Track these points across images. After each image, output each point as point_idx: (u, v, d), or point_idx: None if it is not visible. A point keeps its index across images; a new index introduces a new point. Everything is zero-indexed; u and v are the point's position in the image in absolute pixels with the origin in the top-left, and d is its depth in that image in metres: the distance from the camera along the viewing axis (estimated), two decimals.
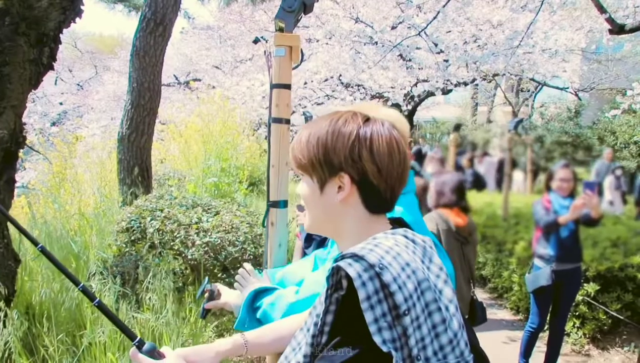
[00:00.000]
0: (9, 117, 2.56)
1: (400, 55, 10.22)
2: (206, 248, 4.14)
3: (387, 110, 1.64)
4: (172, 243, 4.18)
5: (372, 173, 1.02)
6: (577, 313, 4.88)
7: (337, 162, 1.04)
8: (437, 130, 19.83)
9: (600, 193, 7.81)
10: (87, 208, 5.99)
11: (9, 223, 3.05)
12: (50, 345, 2.88)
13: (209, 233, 4.25)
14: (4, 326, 2.71)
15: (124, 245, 4.30)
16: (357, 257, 0.91)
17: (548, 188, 4.10)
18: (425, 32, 7.93)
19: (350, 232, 1.07)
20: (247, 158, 9.90)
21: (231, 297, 1.74)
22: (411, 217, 1.61)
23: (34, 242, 1.30)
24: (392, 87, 10.60)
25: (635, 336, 4.78)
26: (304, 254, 2.50)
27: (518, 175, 7.86)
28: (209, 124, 7.41)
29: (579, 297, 4.71)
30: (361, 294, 0.88)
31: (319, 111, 12.41)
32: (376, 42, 9.16)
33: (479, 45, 9.35)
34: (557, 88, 14.64)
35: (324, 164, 1.05)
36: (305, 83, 11.38)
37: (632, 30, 4.72)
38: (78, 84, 24.67)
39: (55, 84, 23.70)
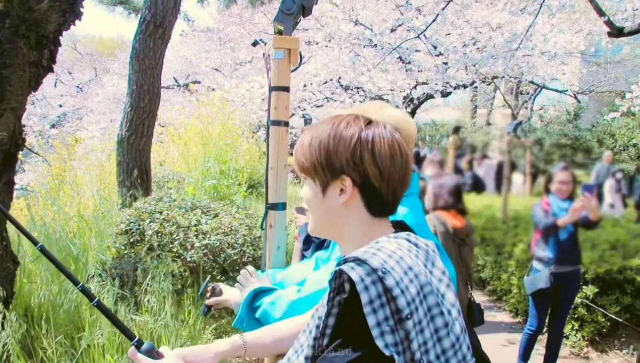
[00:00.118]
0: (9, 119, 2.56)
1: (400, 57, 10.23)
2: (205, 251, 4.14)
3: (393, 111, 1.64)
4: (171, 246, 4.18)
5: (373, 176, 1.02)
6: (575, 316, 4.88)
7: (339, 165, 1.04)
8: (437, 132, 19.84)
9: (599, 196, 7.82)
10: (86, 210, 5.99)
11: (7, 226, 3.05)
12: (48, 347, 2.88)
13: (208, 236, 4.25)
14: (3, 328, 2.71)
15: (123, 248, 4.30)
16: (359, 261, 0.91)
17: (547, 190, 4.11)
18: (424, 35, 7.96)
19: (353, 234, 1.07)
20: (246, 160, 9.90)
21: (232, 295, 1.75)
22: (415, 219, 1.61)
23: (34, 242, 1.31)
24: (391, 90, 10.61)
25: (634, 338, 4.78)
26: (303, 257, 2.50)
27: (517, 178, 7.87)
28: (208, 126, 7.42)
29: (577, 300, 4.71)
30: (364, 298, 0.88)
31: (318, 114, 12.44)
32: (375, 45, 9.17)
33: (478, 48, 9.37)
34: (556, 91, 14.67)
35: (326, 167, 1.05)
36: (305, 85, 11.39)
37: (631, 33, 4.73)
38: (78, 86, 24.68)
39: (55, 86, 23.71)
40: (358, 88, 11.46)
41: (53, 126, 18.05)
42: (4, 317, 2.73)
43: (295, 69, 1.92)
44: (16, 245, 3.57)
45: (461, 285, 3.26)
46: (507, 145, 7.00)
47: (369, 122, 1.07)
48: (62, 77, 24.25)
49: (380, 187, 1.03)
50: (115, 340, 2.98)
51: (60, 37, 2.76)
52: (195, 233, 4.27)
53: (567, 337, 4.87)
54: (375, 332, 0.88)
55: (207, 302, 1.75)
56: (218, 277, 4.07)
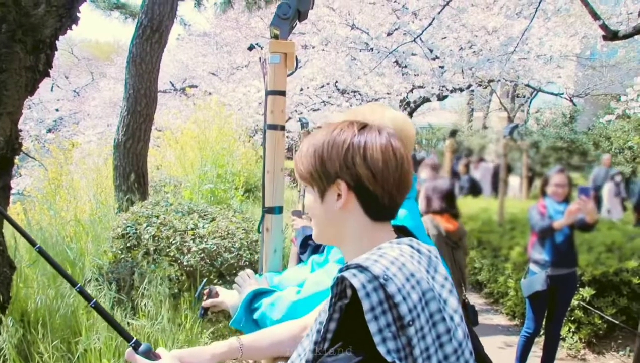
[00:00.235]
0: (5, 123, 2.56)
1: (396, 61, 10.26)
2: (202, 255, 4.14)
3: (394, 113, 1.65)
4: (167, 250, 4.18)
5: (366, 178, 1.03)
6: (572, 318, 4.89)
7: (333, 170, 1.05)
8: (433, 136, 19.87)
9: (597, 199, 7.83)
10: (83, 214, 5.98)
11: (3, 230, 3.05)
12: (45, 352, 2.87)
13: (205, 240, 4.25)
14: None
15: (120, 252, 4.30)
16: (361, 268, 0.92)
17: (543, 193, 4.12)
18: (420, 39, 7.98)
19: (354, 239, 1.08)
20: (243, 164, 9.89)
21: (229, 297, 1.76)
22: (413, 222, 1.62)
23: (32, 243, 1.32)
24: (388, 93, 10.62)
25: (631, 340, 4.78)
26: (300, 260, 2.50)
27: (514, 181, 7.89)
28: (205, 130, 7.41)
29: (574, 302, 4.72)
30: (365, 305, 0.89)
31: (315, 117, 12.45)
32: (372, 49, 9.20)
33: (474, 52, 9.40)
34: (552, 94, 14.73)
35: (321, 173, 1.07)
36: (302, 89, 11.40)
37: (626, 36, 4.75)
38: (74, 91, 24.68)
39: (52, 90, 23.69)
40: (355, 92, 11.48)
41: (49, 130, 17.99)
42: (0, 322, 2.73)
43: (291, 73, 1.93)
44: (13, 250, 3.56)
45: (455, 287, 3.27)
46: (503, 148, 7.01)
47: (362, 127, 1.08)
48: (58, 82, 24.24)
49: (375, 190, 1.04)
50: (112, 344, 2.98)
51: (57, 42, 2.76)
52: (192, 237, 4.27)
53: (563, 339, 4.88)
54: (377, 339, 0.88)
55: (203, 304, 1.76)
56: (215, 281, 4.06)
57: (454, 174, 9.03)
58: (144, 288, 3.56)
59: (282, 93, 1.88)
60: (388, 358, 0.88)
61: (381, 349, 0.88)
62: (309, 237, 2.37)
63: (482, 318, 5.80)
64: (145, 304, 3.46)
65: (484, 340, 1.43)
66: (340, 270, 0.94)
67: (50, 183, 6.72)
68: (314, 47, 10.05)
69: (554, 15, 8.46)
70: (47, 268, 3.79)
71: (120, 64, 18.61)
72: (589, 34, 9.88)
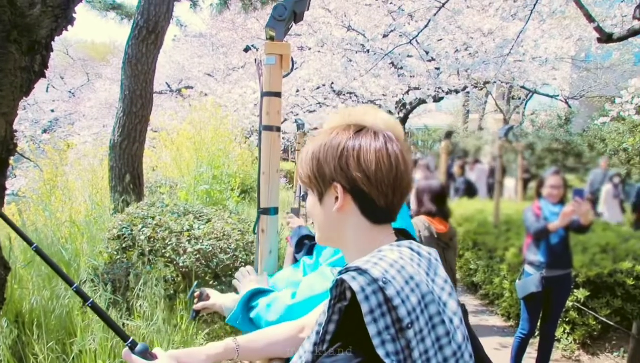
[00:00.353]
0: (0, 124, 2.55)
1: (392, 63, 10.27)
2: (197, 256, 4.13)
3: (386, 115, 1.67)
4: (163, 251, 4.17)
5: (360, 180, 1.04)
6: (567, 319, 4.91)
7: (329, 173, 1.07)
8: (429, 137, 19.93)
9: (594, 201, 7.86)
10: (78, 215, 5.96)
11: None
12: (40, 353, 2.86)
13: (201, 241, 4.24)
14: None
15: (115, 253, 4.29)
16: (360, 271, 0.92)
17: (538, 195, 4.13)
18: (416, 40, 7.99)
19: (353, 241, 1.09)
20: (238, 165, 9.89)
21: (220, 299, 1.77)
22: (401, 222, 1.63)
23: (29, 242, 1.33)
24: (383, 95, 10.64)
25: (625, 341, 4.81)
26: (295, 260, 2.50)
27: (509, 182, 7.91)
28: (200, 131, 7.41)
29: (568, 303, 4.74)
30: (364, 307, 0.89)
31: (310, 119, 12.45)
32: (368, 50, 9.21)
33: (469, 53, 9.42)
34: (548, 95, 14.77)
35: (318, 176, 1.09)
36: (298, 90, 11.40)
37: (620, 39, 4.78)
38: (69, 91, 24.62)
39: (47, 91, 23.63)
40: (350, 93, 11.49)
41: (45, 131, 17.97)
42: None
43: (287, 75, 1.93)
44: (7, 251, 3.55)
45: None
46: (498, 149, 7.03)
47: (358, 131, 1.09)
48: (54, 82, 24.19)
49: (370, 192, 1.05)
50: (107, 345, 2.97)
51: (53, 42, 2.76)
52: (188, 238, 4.27)
53: (558, 340, 4.89)
54: (376, 341, 0.89)
55: (194, 306, 1.77)
56: (210, 282, 4.06)
57: (450, 176, 9.06)
58: (140, 289, 3.56)
59: (278, 94, 1.89)
60: (387, 361, 0.88)
61: (380, 351, 0.88)
62: (305, 237, 2.38)
63: (478, 320, 5.82)
64: (140, 305, 3.46)
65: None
66: (340, 272, 0.95)
67: (45, 184, 6.70)
68: (309, 49, 10.06)
69: (549, 17, 8.50)
70: (42, 269, 3.79)
71: (115, 64, 18.59)
72: (584, 36, 9.93)
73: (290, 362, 1.09)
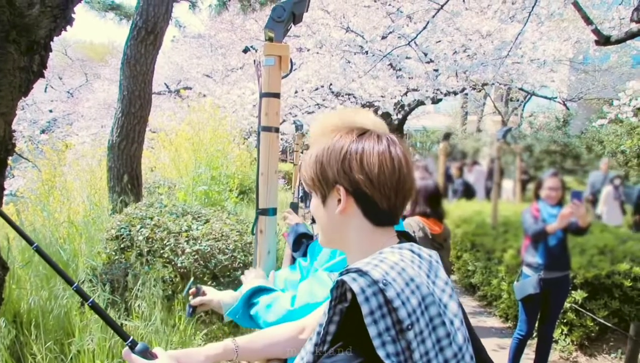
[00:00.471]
0: None
1: (391, 64, 10.28)
2: (196, 256, 4.13)
3: (372, 116, 1.67)
4: (161, 251, 4.17)
5: (363, 183, 1.05)
6: (564, 320, 4.92)
7: (332, 176, 1.08)
8: (427, 139, 19.95)
9: (594, 203, 7.86)
10: (77, 216, 5.96)
11: None
12: (38, 353, 2.86)
13: (199, 241, 4.24)
14: None
15: (114, 253, 4.29)
16: (361, 272, 0.93)
17: (537, 196, 4.14)
18: (415, 42, 8.00)
19: (356, 243, 1.10)
20: (237, 166, 9.89)
21: (217, 296, 1.78)
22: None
23: (29, 241, 1.34)
24: (382, 96, 10.64)
25: (622, 343, 4.81)
26: (294, 261, 2.51)
27: (507, 184, 7.91)
28: (199, 132, 7.41)
29: (566, 304, 4.75)
30: (364, 309, 0.90)
31: (309, 120, 12.44)
32: (366, 52, 9.21)
33: (468, 55, 9.42)
34: (546, 98, 14.78)
35: (322, 178, 1.10)
36: (296, 92, 11.40)
37: (618, 41, 4.79)
38: (68, 92, 24.60)
39: (45, 91, 23.61)
40: (349, 95, 11.49)
41: (43, 131, 17.95)
42: None
43: (285, 76, 1.94)
44: (5, 251, 3.55)
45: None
46: (497, 151, 7.04)
47: (361, 134, 1.10)
48: (52, 82, 24.18)
49: (373, 195, 1.06)
50: (105, 345, 2.97)
51: (52, 43, 2.76)
52: (186, 239, 4.27)
53: (556, 342, 4.90)
54: (376, 342, 0.89)
55: (192, 302, 1.78)
56: (209, 283, 4.06)
57: (448, 177, 9.06)
58: (138, 289, 3.56)
59: (277, 95, 1.89)
60: (387, 362, 0.89)
61: (380, 353, 0.89)
62: (303, 235, 2.38)
63: (476, 321, 5.83)
64: (139, 305, 3.45)
65: None
66: (341, 274, 0.96)
67: (44, 184, 6.69)
68: (308, 50, 10.06)
69: (547, 19, 8.50)
70: (40, 269, 3.79)
71: (114, 65, 18.59)
72: (582, 39, 9.95)
73: None
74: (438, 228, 3.53)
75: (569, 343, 4.92)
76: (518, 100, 17.91)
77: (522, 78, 10.66)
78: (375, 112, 11.88)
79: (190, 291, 1.79)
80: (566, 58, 10.46)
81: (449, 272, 3.59)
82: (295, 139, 10.47)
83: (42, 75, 2.79)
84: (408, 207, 3.72)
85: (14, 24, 2.42)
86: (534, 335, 4.33)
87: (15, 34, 2.43)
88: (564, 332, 4.95)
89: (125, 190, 5.79)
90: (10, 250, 3.75)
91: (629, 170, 10.85)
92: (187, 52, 17.15)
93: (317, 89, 11.31)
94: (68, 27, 2.74)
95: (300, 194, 7.51)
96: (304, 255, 2.17)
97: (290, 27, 1.99)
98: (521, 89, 12.65)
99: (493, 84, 10.70)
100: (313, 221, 2.11)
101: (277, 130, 1.90)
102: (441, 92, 10.48)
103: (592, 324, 4.84)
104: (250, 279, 1.77)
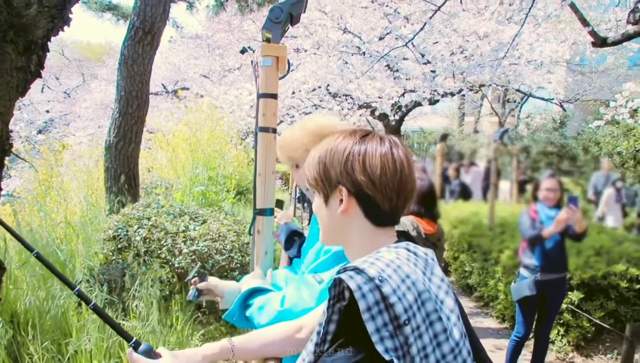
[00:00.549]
0: None
1: (388, 65, 10.29)
2: (193, 257, 4.13)
3: (326, 119, 1.73)
4: (159, 252, 4.17)
5: (365, 184, 1.07)
6: (561, 321, 4.93)
7: (335, 176, 1.10)
8: (425, 140, 19.98)
9: (596, 204, 7.87)
10: (74, 216, 5.95)
11: None
12: (35, 353, 2.86)
13: (196, 242, 4.24)
14: None
15: (111, 254, 4.29)
16: (358, 270, 0.95)
17: (535, 198, 4.14)
18: (412, 43, 8.01)
19: (356, 243, 1.12)
20: (234, 167, 9.88)
21: (221, 283, 1.80)
22: None
23: (29, 248, 1.35)
24: (379, 97, 10.66)
25: (618, 343, 4.83)
26: (291, 261, 2.51)
27: (504, 185, 7.94)
28: (196, 132, 7.40)
29: (563, 305, 4.76)
30: (362, 305, 0.91)
31: None
32: (364, 53, 9.22)
33: (465, 56, 9.43)
34: (543, 99, 14.80)
35: (324, 179, 1.12)
36: (293, 92, 11.40)
37: (614, 43, 4.81)
38: (65, 92, 24.56)
39: (42, 91, 23.56)
40: (346, 95, 11.50)
41: (40, 132, 17.90)
42: None
43: (283, 77, 1.94)
44: (2, 252, 3.55)
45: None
46: (494, 152, 7.07)
47: (364, 136, 1.12)
48: (49, 83, 24.12)
49: (375, 196, 1.07)
50: (102, 345, 2.97)
51: (49, 43, 2.76)
52: (184, 239, 4.27)
53: (552, 342, 4.91)
54: (375, 338, 0.91)
55: (198, 285, 1.78)
56: None
57: (445, 178, 9.09)
58: (135, 290, 3.56)
59: (274, 96, 1.90)
60: (386, 357, 0.90)
61: (379, 348, 0.90)
62: (295, 233, 2.38)
63: (473, 322, 5.81)
64: (136, 306, 3.45)
65: None
66: (338, 272, 0.97)
67: (41, 184, 6.68)
68: (305, 51, 10.06)
69: (544, 21, 8.53)
70: (37, 269, 3.78)
71: (111, 65, 18.56)
72: (579, 40, 9.98)
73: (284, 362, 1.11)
74: (431, 228, 3.53)
75: (565, 344, 4.93)
76: (515, 102, 17.94)
77: (519, 79, 10.68)
78: (373, 113, 11.91)
79: (193, 280, 1.79)
80: (563, 59, 10.49)
81: (443, 271, 3.59)
82: None
83: (40, 76, 2.79)
84: None
85: (11, 24, 2.42)
86: (531, 336, 4.34)
87: (12, 34, 2.43)
88: (560, 333, 4.96)
89: (123, 190, 5.79)
90: (7, 251, 3.75)
91: (626, 171, 10.87)
92: (184, 52, 17.14)
93: (314, 90, 11.31)
94: (65, 27, 2.74)
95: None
96: (298, 253, 2.18)
97: (288, 28, 1.99)
98: (518, 90, 12.66)
99: (490, 85, 10.71)
100: (309, 222, 2.11)
101: (274, 130, 1.91)
102: (438, 93, 10.51)
103: (588, 325, 4.86)
104: (247, 279, 1.78)
